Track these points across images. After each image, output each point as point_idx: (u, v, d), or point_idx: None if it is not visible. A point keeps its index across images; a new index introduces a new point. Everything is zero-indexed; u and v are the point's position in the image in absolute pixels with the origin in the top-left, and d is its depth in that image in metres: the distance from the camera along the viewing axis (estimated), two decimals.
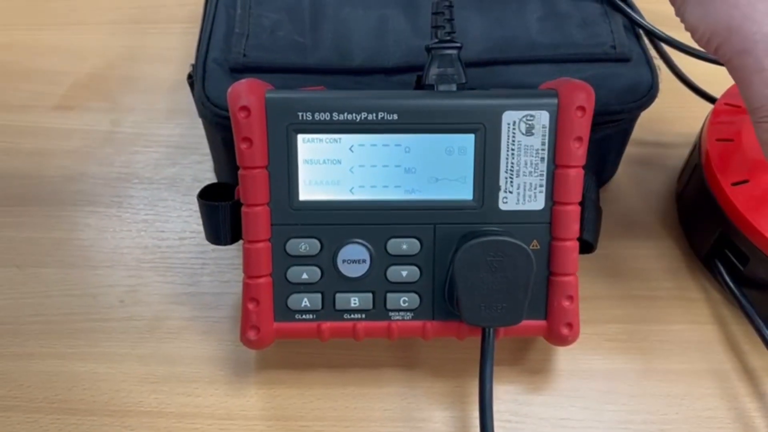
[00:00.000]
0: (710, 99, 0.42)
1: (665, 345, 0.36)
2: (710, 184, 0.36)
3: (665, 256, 0.39)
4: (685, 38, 0.32)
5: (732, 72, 0.26)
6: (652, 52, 0.40)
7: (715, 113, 0.38)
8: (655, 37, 0.41)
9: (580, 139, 0.30)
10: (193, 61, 0.38)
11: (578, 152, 0.30)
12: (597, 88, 0.36)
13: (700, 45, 0.27)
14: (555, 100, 0.30)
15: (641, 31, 0.40)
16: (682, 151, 0.42)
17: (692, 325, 0.36)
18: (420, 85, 0.32)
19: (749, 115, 0.27)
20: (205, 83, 0.36)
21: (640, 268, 0.38)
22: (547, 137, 0.30)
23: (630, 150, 0.42)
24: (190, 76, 0.38)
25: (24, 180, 0.43)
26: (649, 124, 0.43)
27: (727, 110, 0.38)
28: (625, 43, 0.38)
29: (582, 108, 0.29)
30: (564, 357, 0.35)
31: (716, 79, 0.39)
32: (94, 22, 0.52)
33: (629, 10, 0.39)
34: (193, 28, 0.42)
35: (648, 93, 0.37)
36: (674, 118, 0.44)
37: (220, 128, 0.36)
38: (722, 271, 0.36)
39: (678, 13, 0.26)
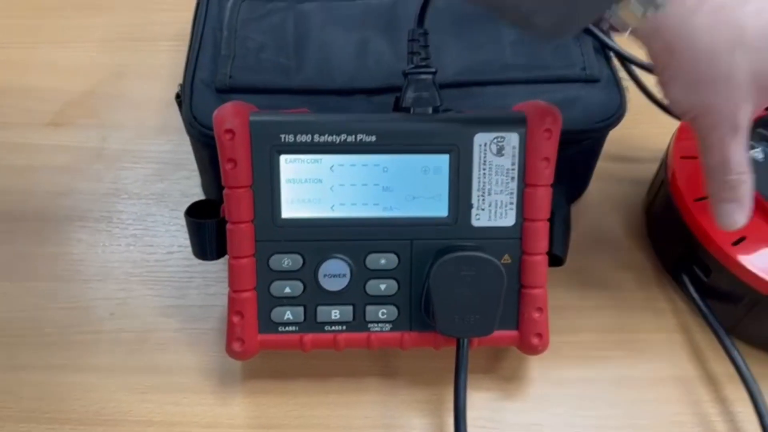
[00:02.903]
0: (678, 117, 0.44)
1: (634, 353, 0.37)
2: (675, 200, 0.38)
3: (635, 268, 0.41)
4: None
5: (700, 136, 0.30)
6: (622, 74, 0.41)
7: (680, 131, 0.40)
8: (625, 60, 0.43)
9: (547, 159, 0.32)
10: (181, 80, 0.40)
11: (546, 172, 0.32)
12: (567, 109, 0.38)
13: (677, 113, 0.31)
14: (524, 123, 0.31)
15: (611, 54, 0.42)
16: (651, 167, 0.44)
17: (660, 333, 0.38)
18: (397, 107, 0.34)
19: (703, 169, 0.31)
20: (193, 103, 0.38)
21: (611, 280, 0.40)
22: (516, 158, 0.32)
23: (602, 165, 0.44)
24: (178, 96, 0.40)
25: (16, 195, 0.44)
26: (620, 140, 0.45)
27: (692, 129, 0.40)
28: (595, 65, 0.40)
29: (549, 130, 0.31)
30: (537, 365, 0.37)
31: None
32: (85, 41, 0.54)
33: (599, 33, 0.41)
34: (181, 45, 0.43)
35: (616, 113, 0.39)
36: (645, 134, 0.46)
37: (206, 146, 0.38)
38: (687, 283, 0.38)
39: (663, 89, 0.30)
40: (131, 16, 0.55)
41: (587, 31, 0.41)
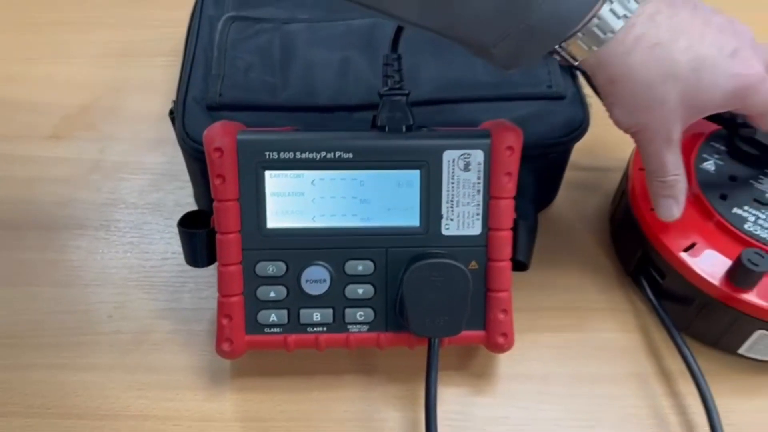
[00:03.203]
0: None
1: (595, 351, 0.40)
2: (633, 209, 0.40)
3: (598, 271, 0.43)
4: None
5: (640, 147, 0.35)
6: (587, 90, 0.44)
7: None
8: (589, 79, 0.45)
9: (509, 174, 0.34)
10: (174, 95, 0.43)
11: (508, 185, 0.34)
12: (534, 124, 0.41)
13: (620, 129, 0.35)
14: (488, 141, 0.34)
15: (577, 72, 0.45)
16: (617, 177, 0.46)
17: (620, 333, 0.41)
18: (374, 124, 0.36)
19: (646, 174, 0.37)
20: (185, 120, 0.41)
21: (576, 283, 0.43)
22: (482, 172, 0.34)
23: (571, 175, 0.46)
24: (171, 112, 0.42)
25: (18, 205, 0.47)
26: (588, 151, 0.48)
27: None
28: (561, 83, 0.43)
29: (511, 148, 0.34)
30: (505, 362, 0.39)
31: None
32: (83, 56, 0.56)
33: None
34: (175, 61, 0.46)
35: (580, 127, 0.41)
36: (612, 146, 0.48)
37: (198, 161, 0.40)
38: (645, 286, 0.41)
39: (608, 110, 0.34)
40: (127, 32, 0.58)
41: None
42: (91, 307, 0.42)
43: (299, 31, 0.45)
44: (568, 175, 0.46)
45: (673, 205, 0.36)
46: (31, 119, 0.51)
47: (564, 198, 0.47)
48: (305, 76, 0.43)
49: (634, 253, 0.41)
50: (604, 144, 0.48)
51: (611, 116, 0.34)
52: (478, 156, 0.34)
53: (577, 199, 0.47)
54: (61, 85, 0.54)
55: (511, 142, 0.34)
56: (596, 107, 0.47)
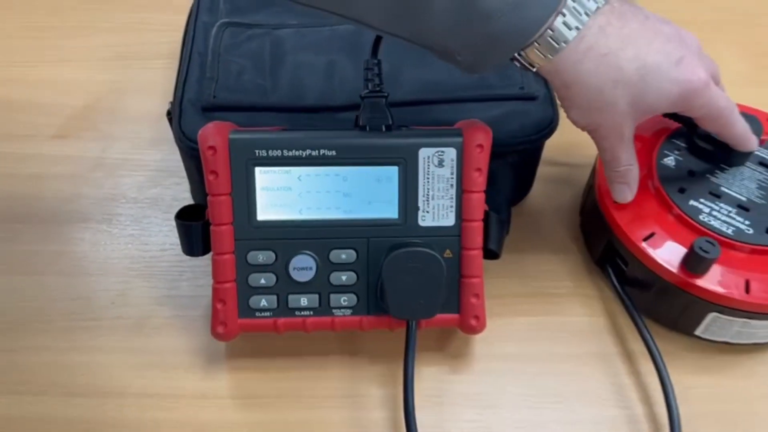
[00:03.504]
0: None
1: (564, 333, 0.43)
2: (599, 202, 0.43)
3: (568, 260, 0.46)
4: None
5: (596, 142, 0.39)
6: None
7: None
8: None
9: (479, 169, 0.37)
10: (172, 96, 0.45)
11: (479, 180, 0.37)
12: (507, 123, 0.44)
13: (577, 127, 0.38)
14: (460, 139, 0.37)
15: None
16: (587, 172, 0.49)
17: (587, 317, 0.44)
18: (356, 124, 0.39)
19: (603, 164, 0.40)
20: (181, 121, 0.43)
21: (547, 271, 0.46)
22: (454, 168, 0.37)
23: (544, 171, 0.49)
24: (168, 113, 0.45)
25: (25, 201, 0.49)
26: (562, 149, 0.51)
27: None
28: (533, 85, 0.46)
29: (480, 145, 0.37)
30: (479, 344, 0.42)
31: None
32: (85, 59, 0.59)
33: None
34: (172, 63, 0.49)
35: (549, 126, 0.44)
36: (583, 144, 0.50)
37: (193, 158, 0.43)
38: (611, 273, 0.44)
39: (565, 112, 0.38)
40: (127, 36, 0.61)
41: None
42: (95, 294, 0.45)
43: (288, 37, 0.48)
44: (543, 170, 0.49)
45: (626, 190, 0.41)
46: (36, 120, 0.54)
47: (538, 192, 0.50)
48: (294, 78, 0.46)
49: (601, 243, 0.44)
50: (576, 142, 0.50)
51: (568, 116, 0.37)
52: (451, 153, 0.37)
53: (550, 193, 0.50)
54: (64, 88, 0.57)
55: (481, 140, 0.37)
56: None
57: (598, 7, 0.33)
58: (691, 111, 0.36)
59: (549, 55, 0.33)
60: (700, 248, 0.38)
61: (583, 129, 0.38)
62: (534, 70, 0.34)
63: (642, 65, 0.33)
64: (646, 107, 0.35)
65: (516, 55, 0.33)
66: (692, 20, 0.65)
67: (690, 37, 0.36)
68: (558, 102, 0.45)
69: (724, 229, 0.40)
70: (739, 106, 0.47)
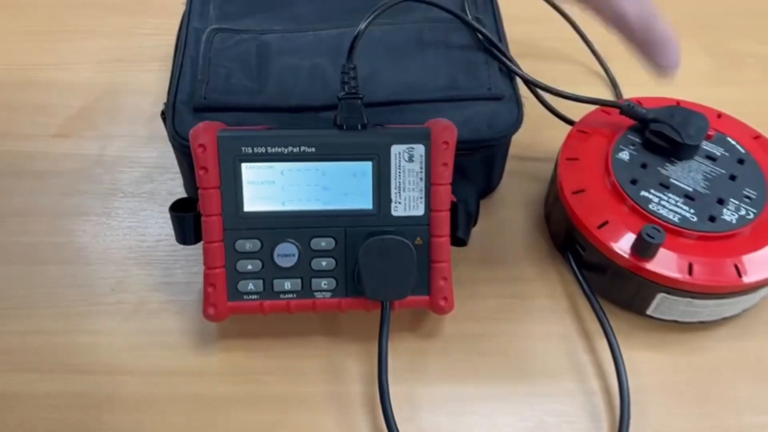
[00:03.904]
0: (571, 123, 0.54)
1: (528, 314, 0.47)
2: (560, 193, 0.47)
3: (533, 247, 0.50)
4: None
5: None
6: (524, 92, 0.51)
7: (568, 138, 0.50)
8: (525, 81, 0.51)
9: (446, 164, 0.41)
10: (165, 98, 0.49)
11: (445, 174, 0.41)
12: (476, 121, 0.47)
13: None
14: (428, 136, 0.41)
15: (515, 76, 0.51)
16: (552, 167, 0.53)
17: (549, 299, 0.48)
18: (335, 123, 0.43)
19: (629, 38, 0.36)
20: (175, 121, 0.47)
21: (514, 257, 0.50)
22: (423, 163, 0.41)
23: (513, 165, 0.53)
24: (163, 113, 0.49)
25: (30, 195, 0.53)
26: (529, 145, 0.55)
27: (577, 135, 0.49)
28: (500, 85, 0.49)
29: (446, 142, 0.41)
30: (450, 324, 0.46)
31: (579, 111, 0.51)
32: (84, 63, 0.62)
33: (504, 59, 0.50)
34: (166, 65, 0.52)
35: (514, 124, 0.48)
36: (549, 141, 0.54)
37: (186, 155, 0.47)
38: (570, 258, 0.48)
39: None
40: (122, 40, 0.64)
41: (494, 57, 0.50)
42: (96, 282, 0.48)
43: (274, 41, 0.51)
44: (511, 165, 0.53)
45: (668, 41, 0.35)
46: (38, 120, 0.58)
47: (507, 185, 0.54)
48: (279, 80, 0.49)
49: (561, 231, 0.48)
50: (542, 139, 0.55)
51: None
52: (420, 150, 0.41)
53: (518, 186, 0.54)
54: (64, 89, 0.60)
55: (447, 137, 0.41)
56: (535, 108, 0.54)
57: None
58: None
59: None
60: (647, 234, 0.42)
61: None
62: None
63: None
64: None
65: None
66: None
67: None
68: (522, 102, 0.49)
69: (671, 217, 0.44)
70: (691, 104, 0.51)
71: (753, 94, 0.61)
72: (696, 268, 0.42)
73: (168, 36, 0.55)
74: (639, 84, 0.61)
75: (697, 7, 0.70)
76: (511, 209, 0.52)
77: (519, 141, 0.51)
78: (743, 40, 0.66)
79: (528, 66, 0.52)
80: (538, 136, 0.55)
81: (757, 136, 0.49)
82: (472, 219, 0.45)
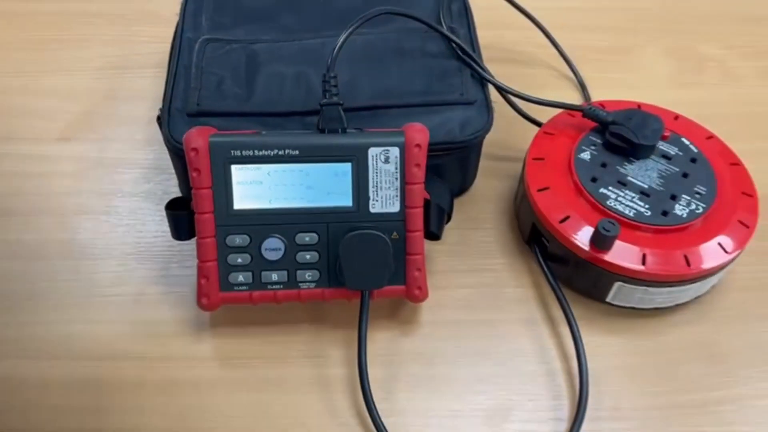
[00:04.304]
0: (539, 125, 0.57)
1: (498, 302, 0.51)
2: (526, 190, 0.51)
3: (503, 241, 0.54)
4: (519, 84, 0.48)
5: None
6: (495, 97, 0.54)
7: (535, 139, 0.53)
8: (496, 87, 0.55)
9: (418, 165, 0.44)
10: (161, 104, 0.52)
11: (418, 174, 0.45)
12: (449, 124, 0.51)
13: None
14: (402, 139, 0.44)
15: (486, 82, 0.54)
16: (521, 166, 0.57)
17: (517, 288, 0.51)
18: (317, 128, 0.47)
19: None
20: (170, 125, 0.50)
21: (485, 249, 0.53)
22: (398, 164, 0.45)
23: (487, 165, 0.57)
24: (158, 118, 0.52)
25: (35, 196, 0.56)
26: (502, 145, 0.58)
27: (543, 136, 0.53)
28: (471, 91, 0.53)
29: (419, 145, 0.44)
30: (426, 312, 0.50)
31: (547, 113, 0.55)
32: (83, 70, 0.66)
33: (476, 67, 0.54)
34: (162, 72, 0.55)
35: (484, 127, 0.51)
36: (519, 142, 0.58)
37: (180, 157, 0.50)
38: (536, 251, 0.51)
39: None
40: (120, 48, 0.67)
41: (467, 64, 0.54)
42: (97, 275, 0.52)
43: (262, 51, 0.55)
44: (485, 165, 0.57)
45: None
46: (41, 124, 0.61)
47: (480, 183, 0.57)
48: (267, 88, 0.52)
49: (528, 225, 0.52)
50: (514, 140, 0.59)
51: None
52: (395, 152, 0.45)
53: (490, 184, 0.57)
54: (65, 95, 0.63)
55: (419, 140, 0.44)
56: (506, 111, 0.57)
57: None
58: None
59: None
60: (603, 228, 0.46)
61: None
62: None
63: None
64: None
65: None
66: (625, 27, 0.73)
67: None
68: (493, 106, 0.53)
69: (626, 212, 0.47)
70: (651, 107, 0.55)
71: (713, 96, 0.65)
72: (649, 258, 0.46)
73: (163, 44, 0.58)
74: (606, 87, 0.65)
75: (661, 13, 0.74)
76: (484, 206, 0.56)
77: (492, 142, 0.54)
78: (705, 45, 0.70)
79: (501, 69, 0.55)
80: (510, 137, 0.58)
81: (710, 137, 0.53)
82: (446, 215, 0.49)
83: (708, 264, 0.46)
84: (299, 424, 0.45)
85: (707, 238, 0.47)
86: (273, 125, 0.51)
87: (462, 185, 0.57)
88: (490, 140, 0.53)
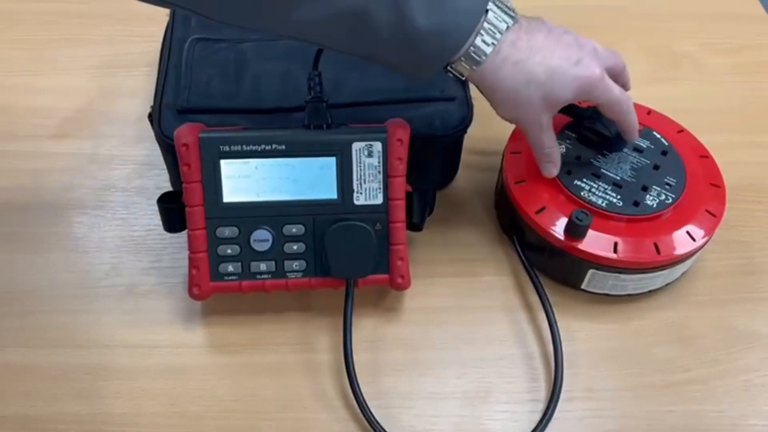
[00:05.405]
0: None
1: (478, 290, 0.53)
2: (505, 183, 0.53)
3: (484, 231, 0.56)
4: None
5: (522, 131, 0.48)
6: (474, 93, 0.56)
7: (513, 133, 0.55)
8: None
9: (400, 159, 0.47)
10: (152, 101, 0.54)
11: (400, 167, 0.47)
12: (432, 120, 0.53)
13: (506, 120, 0.48)
14: (385, 134, 0.46)
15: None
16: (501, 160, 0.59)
17: (497, 276, 0.54)
18: (303, 124, 0.48)
19: (531, 148, 0.50)
20: (161, 122, 0.52)
21: (466, 240, 0.56)
22: (381, 158, 0.47)
23: (469, 158, 0.59)
24: (150, 115, 0.54)
25: (32, 191, 0.58)
26: (483, 139, 0.60)
27: (521, 132, 0.55)
28: (453, 88, 0.55)
29: (400, 140, 0.46)
30: (409, 300, 0.52)
31: None
32: (78, 68, 0.67)
33: None
34: (153, 70, 0.57)
35: (464, 122, 0.54)
36: (499, 136, 0.60)
37: (171, 153, 0.52)
38: (515, 240, 0.54)
39: (494, 109, 0.47)
40: (112, 48, 0.69)
41: None
42: (93, 267, 0.53)
43: (250, 49, 0.56)
44: (467, 159, 0.59)
45: (551, 167, 0.50)
46: (37, 122, 0.63)
47: (463, 177, 0.59)
48: (255, 85, 0.54)
49: (507, 216, 0.54)
50: (494, 135, 0.60)
51: (497, 113, 0.47)
52: (378, 146, 0.47)
53: (472, 177, 0.60)
54: (60, 93, 0.65)
55: (401, 135, 0.46)
56: (486, 107, 0.59)
57: (508, 27, 0.42)
58: (591, 100, 0.46)
59: (473, 67, 0.42)
60: (576, 218, 0.48)
61: (510, 122, 0.47)
62: (464, 78, 0.43)
63: (547, 68, 0.43)
64: (555, 100, 0.45)
65: (448, 68, 0.43)
66: (601, 25, 0.76)
67: (586, 42, 0.45)
68: (473, 102, 0.55)
69: (599, 202, 0.50)
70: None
71: (687, 91, 0.67)
72: (620, 246, 0.48)
73: (154, 43, 0.60)
74: None
75: (637, 10, 0.76)
76: (465, 198, 0.58)
77: (474, 136, 0.56)
78: (680, 42, 0.72)
79: None
80: (491, 132, 0.60)
81: (681, 130, 0.56)
82: (428, 207, 0.51)
83: (677, 251, 0.48)
84: (288, 407, 0.47)
85: (676, 227, 0.49)
86: (260, 121, 0.53)
87: (444, 178, 0.59)
88: (471, 135, 0.56)
